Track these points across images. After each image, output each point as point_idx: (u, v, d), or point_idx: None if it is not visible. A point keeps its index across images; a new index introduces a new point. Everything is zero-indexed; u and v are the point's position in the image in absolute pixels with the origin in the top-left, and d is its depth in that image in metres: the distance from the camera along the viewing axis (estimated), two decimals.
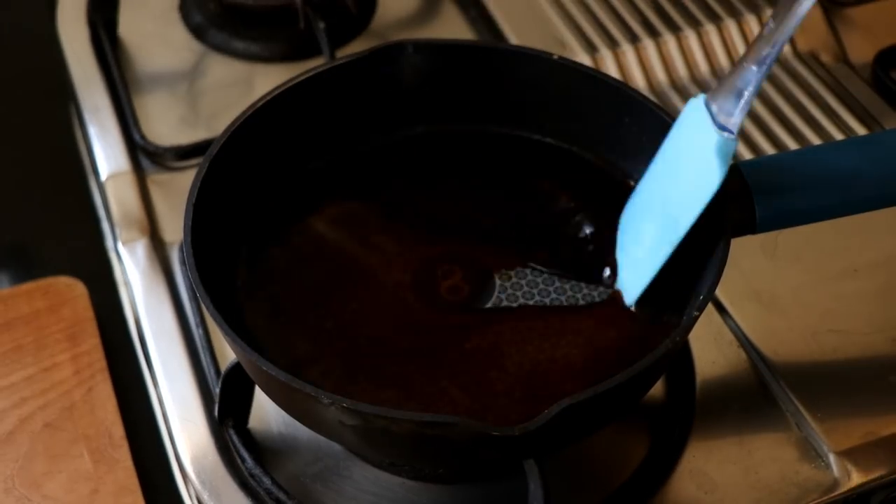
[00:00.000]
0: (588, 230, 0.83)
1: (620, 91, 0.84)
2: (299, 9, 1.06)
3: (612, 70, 1.05)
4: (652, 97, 1.02)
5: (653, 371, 0.75)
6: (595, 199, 0.85)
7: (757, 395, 0.84)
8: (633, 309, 0.78)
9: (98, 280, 0.97)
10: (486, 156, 0.89)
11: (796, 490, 0.79)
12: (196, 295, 0.82)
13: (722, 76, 0.84)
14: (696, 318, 0.72)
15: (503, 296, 0.80)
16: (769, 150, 1.00)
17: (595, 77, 0.86)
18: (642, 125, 0.83)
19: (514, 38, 1.09)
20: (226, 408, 0.81)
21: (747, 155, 1.00)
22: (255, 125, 0.82)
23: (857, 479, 0.79)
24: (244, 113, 0.82)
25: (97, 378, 0.90)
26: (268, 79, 0.84)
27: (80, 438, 0.86)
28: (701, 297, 0.72)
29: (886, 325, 0.88)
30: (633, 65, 1.06)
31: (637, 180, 0.82)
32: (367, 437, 0.72)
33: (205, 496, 0.80)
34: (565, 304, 0.79)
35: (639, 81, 1.06)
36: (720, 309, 0.88)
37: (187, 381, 0.86)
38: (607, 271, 0.81)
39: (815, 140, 1.01)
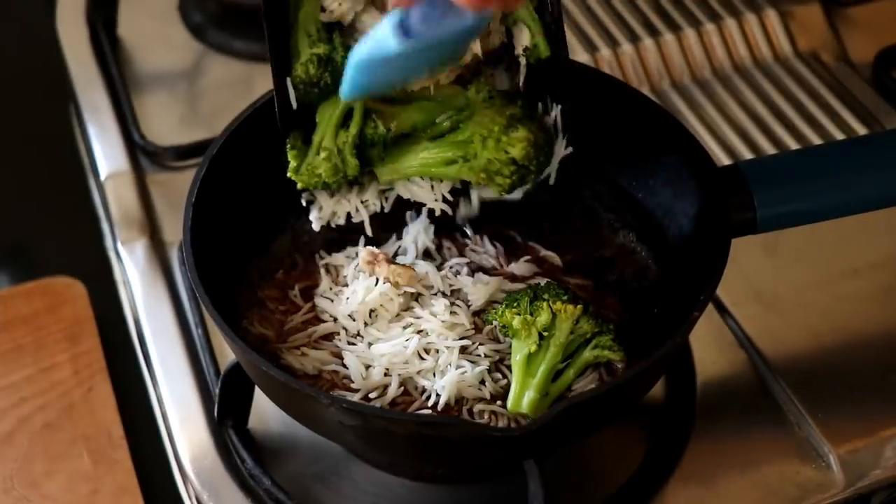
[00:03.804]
0: None
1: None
2: None
3: (612, 69, 1.05)
4: (652, 97, 1.02)
5: (653, 371, 0.75)
6: None
7: (757, 396, 0.84)
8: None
9: (97, 280, 0.97)
10: None
11: (796, 490, 0.79)
12: (196, 295, 0.82)
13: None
14: (696, 318, 0.72)
15: None
16: (770, 149, 1.00)
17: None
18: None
19: None
20: (225, 408, 0.81)
21: (748, 154, 1.00)
22: (255, 125, 0.82)
23: (857, 479, 0.79)
24: (244, 112, 0.82)
25: (96, 378, 0.89)
26: (268, 79, 0.84)
27: (79, 438, 0.86)
28: (700, 298, 0.72)
29: (886, 325, 0.87)
30: (634, 64, 1.06)
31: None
32: (367, 438, 0.71)
33: (204, 496, 0.79)
34: None
35: (639, 81, 1.06)
36: (720, 309, 0.88)
37: (187, 382, 0.86)
38: None
39: (816, 140, 1.01)
